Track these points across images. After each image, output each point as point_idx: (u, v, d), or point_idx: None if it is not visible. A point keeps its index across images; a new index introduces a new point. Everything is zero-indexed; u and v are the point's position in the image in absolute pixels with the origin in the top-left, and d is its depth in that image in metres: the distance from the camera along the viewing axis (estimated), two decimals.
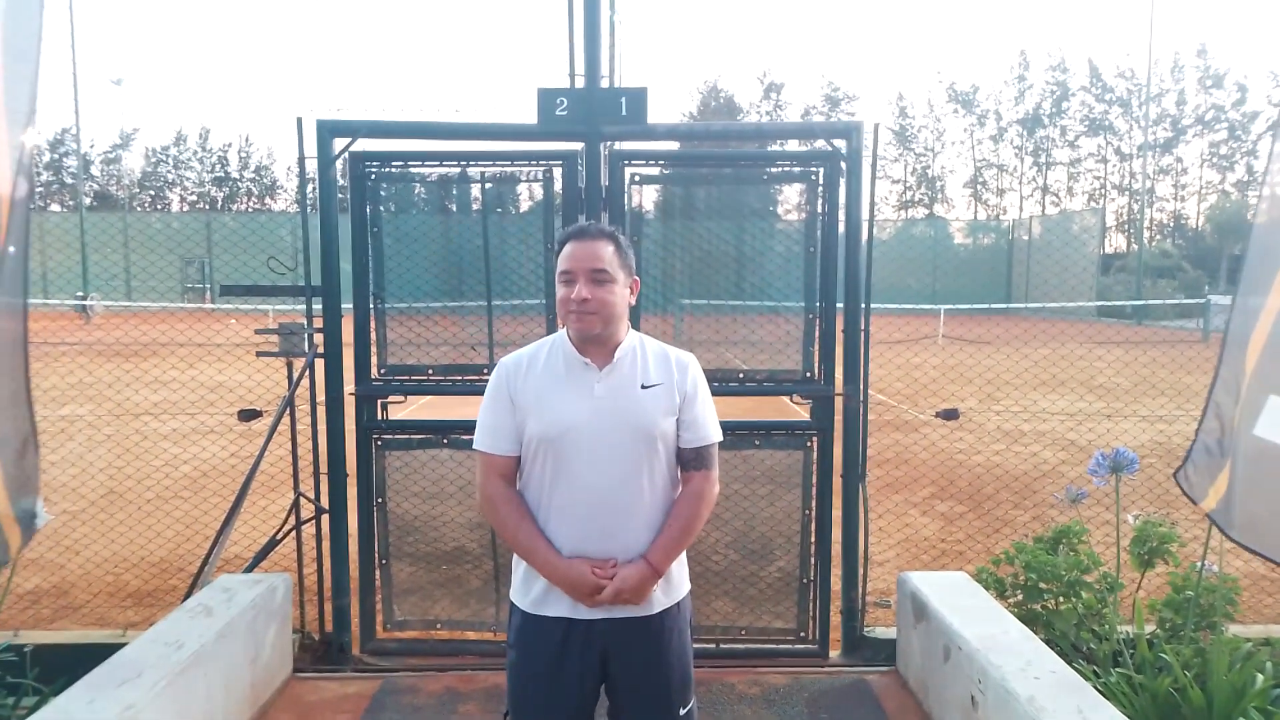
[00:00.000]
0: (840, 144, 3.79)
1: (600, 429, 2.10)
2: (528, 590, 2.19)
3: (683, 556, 2.29)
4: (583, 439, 2.10)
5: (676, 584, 2.26)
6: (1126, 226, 58.22)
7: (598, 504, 2.11)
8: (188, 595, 3.64)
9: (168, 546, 5.52)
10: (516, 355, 2.23)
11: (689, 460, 2.21)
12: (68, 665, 3.16)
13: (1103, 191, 59.96)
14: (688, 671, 2.27)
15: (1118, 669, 3.23)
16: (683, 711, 2.24)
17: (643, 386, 2.15)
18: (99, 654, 2.93)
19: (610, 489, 2.11)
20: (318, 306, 3.90)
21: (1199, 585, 3.47)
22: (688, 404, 2.19)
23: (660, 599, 2.20)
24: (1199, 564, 3.50)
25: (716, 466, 2.25)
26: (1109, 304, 31.83)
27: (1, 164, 2.41)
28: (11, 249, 2.46)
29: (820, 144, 3.86)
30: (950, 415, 4.37)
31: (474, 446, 2.20)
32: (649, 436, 2.13)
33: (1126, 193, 58.99)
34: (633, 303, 2.23)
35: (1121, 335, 23.10)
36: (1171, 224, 59.13)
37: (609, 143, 3.80)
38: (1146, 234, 49.70)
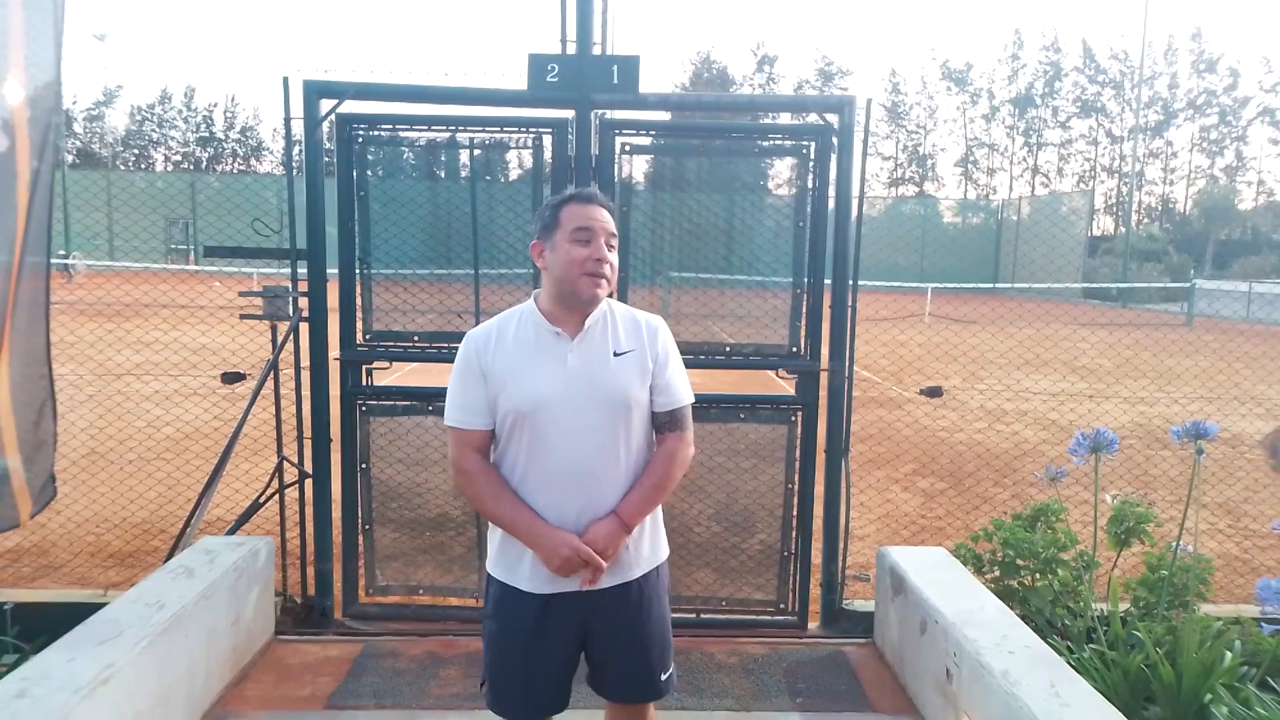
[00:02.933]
0: (832, 118, 3.76)
1: (576, 400, 2.09)
2: (507, 562, 2.18)
3: (660, 521, 2.30)
4: (559, 411, 2.08)
5: (656, 548, 2.28)
6: (1115, 209, 58.42)
7: (576, 474, 2.10)
8: (169, 556, 3.64)
9: (150, 508, 5.51)
10: (485, 327, 2.19)
11: (663, 423, 2.20)
12: (49, 624, 3.17)
13: (1092, 173, 60.06)
14: (668, 637, 2.29)
15: (1091, 645, 3.28)
16: (664, 676, 2.25)
17: (615, 354, 2.14)
18: (80, 613, 2.93)
19: (588, 458, 2.10)
20: (303, 270, 3.86)
21: (1173, 565, 3.52)
22: (660, 369, 2.18)
23: (641, 562, 2.21)
24: (1174, 544, 3.55)
25: (691, 428, 2.24)
26: (1095, 286, 31.98)
27: (20, 133, 2.37)
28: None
29: (812, 118, 3.84)
30: (934, 393, 4.40)
31: (446, 423, 2.17)
32: (625, 404, 2.12)
33: (1116, 175, 59.13)
34: None
35: (1106, 317, 23.27)
36: (1159, 208, 59.37)
37: (600, 111, 3.76)
38: (1134, 217, 49.87)
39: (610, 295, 2.18)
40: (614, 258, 2.12)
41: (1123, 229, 42.57)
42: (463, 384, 2.15)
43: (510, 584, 2.17)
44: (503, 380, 2.10)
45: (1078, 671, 2.73)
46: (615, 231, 2.13)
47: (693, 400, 2.26)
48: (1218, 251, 43.38)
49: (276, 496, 4.04)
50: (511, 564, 2.17)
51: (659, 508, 2.27)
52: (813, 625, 4.05)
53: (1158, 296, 29.89)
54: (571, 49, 3.97)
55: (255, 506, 4.01)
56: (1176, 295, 27.66)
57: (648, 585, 2.23)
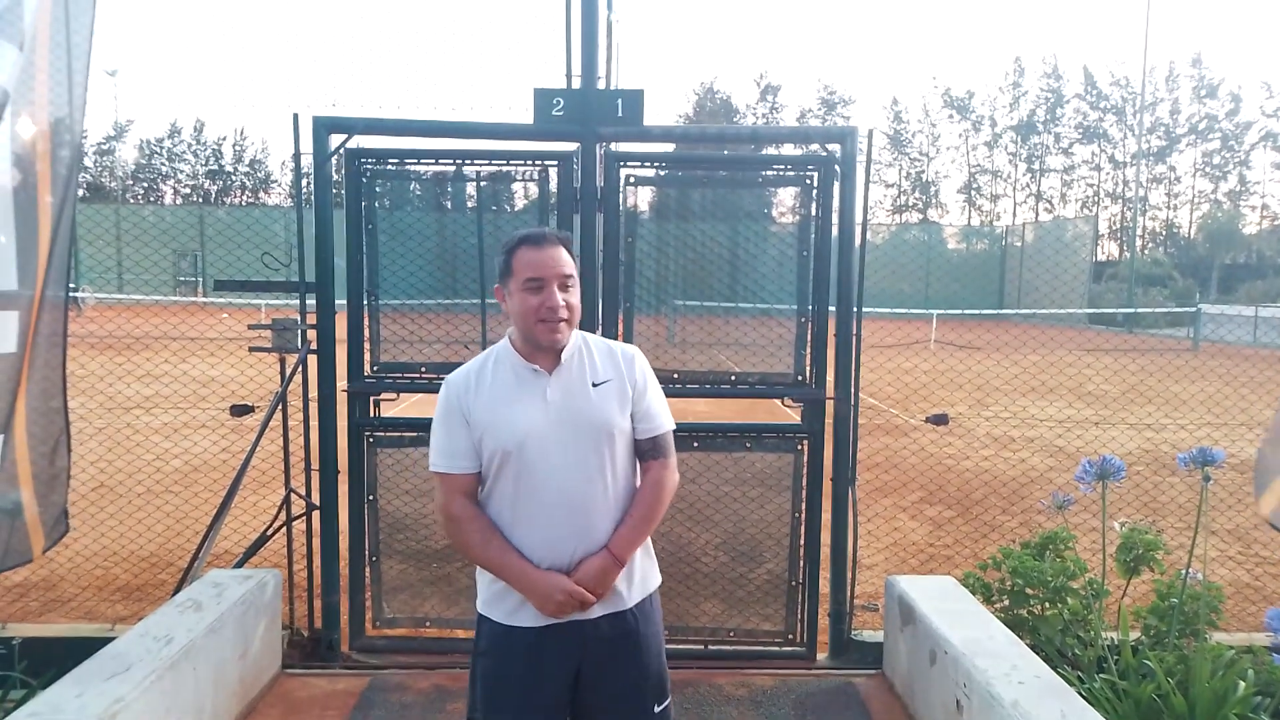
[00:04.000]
0: (835, 149, 3.80)
1: (559, 434, 2.09)
2: (500, 602, 2.16)
3: (650, 548, 2.29)
4: (543, 446, 2.08)
5: (648, 575, 2.27)
6: (1119, 234, 58.55)
7: (566, 507, 2.10)
8: (177, 590, 3.64)
9: (157, 541, 5.51)
10: (463, 371, 2.19)
11: (646, 450, 2.21)
12: (56, 658, 3.16)
13: (1096, 199, 60.26)
14: (664, 667, 2.26)
15: (1102, 675, 3.25)
16: (658, 709, 2.22)
17: (594, 384, 2.15)
18: (88, 647, 2.93)
19: (576, 491, 2.10)
20: (311, 302, 3.90)
21: (1183, 593, 3.50)
22: (639, 396, 2.20)
23: (634, 591, 2.20)
24: (1184, 571, 3.53)
25: (674, 454, 2.25)
26: (1100, 311, 31.94)
27: (41, 165, 2.40)
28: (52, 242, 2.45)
29: (815, 148, 3.88)
30: (940, 420, 4.40)
31: (432, 469, 2.16)
32: (608, 434, 2.13)
33: (1119, 201, 59.32)
34: None
35: (1112, 343, 23.25)
36: (1164, 233, 59.47)
37: (605, 143, 3.81)
38: (1138, 242, 49.95)
39: (571, 331, 2.16)
40: (573, 298, 2.11)
41: (1127, 254, 42.65)
42: (446, 429, 2.15)
43: (503, 621, 2.15)
44: (486, 421, 2.10)
45: (1089, 702, 2.72)
46: (571, 272, 2.11)
47: (674, 427, 2.27)
48: (1223, 276, 43.41)
49: (284, 529, 4.05)
50: (502, 601, 2.16)
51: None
52: (821, 656, 4.02)
53: (1163, 322, 29.85)
54: (577, 83, 4.03)
55: (263, 539, 4.02)
56: (1182, 320, 27.63)
57: (641, 613, 2.22)
